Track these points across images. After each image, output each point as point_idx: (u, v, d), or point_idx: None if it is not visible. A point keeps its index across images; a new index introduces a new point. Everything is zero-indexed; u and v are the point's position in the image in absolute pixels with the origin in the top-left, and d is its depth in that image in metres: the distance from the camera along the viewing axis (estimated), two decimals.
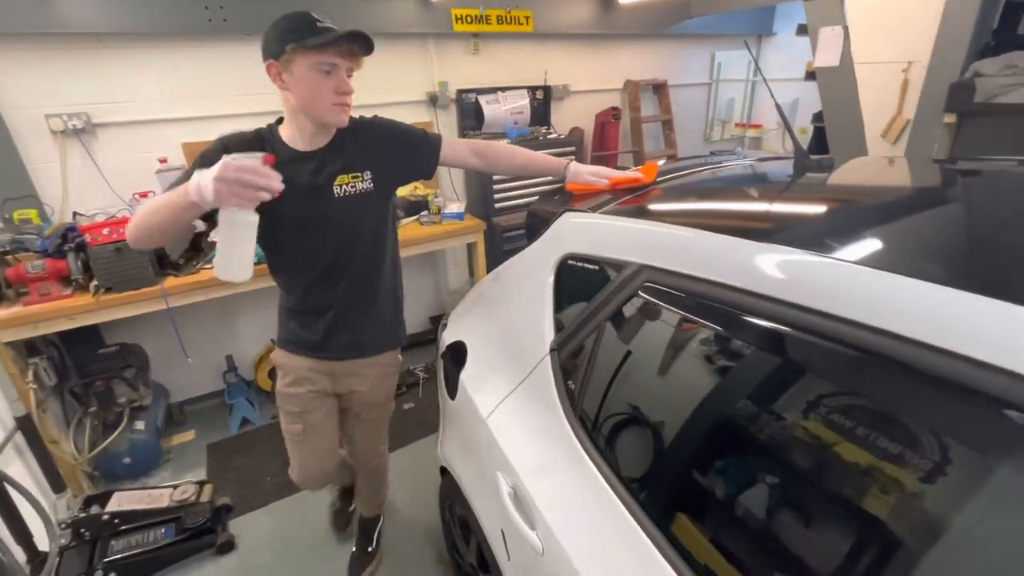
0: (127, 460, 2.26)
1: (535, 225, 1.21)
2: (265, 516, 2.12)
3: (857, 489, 0.56)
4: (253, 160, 0.97)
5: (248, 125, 2.57)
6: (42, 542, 1.72)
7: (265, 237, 1.20)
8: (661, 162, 1.43)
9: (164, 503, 2.04)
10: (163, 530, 1.93)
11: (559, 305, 1.05)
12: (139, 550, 1.85)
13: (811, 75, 3.18)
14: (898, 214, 0.84)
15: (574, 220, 1.10)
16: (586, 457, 0.90)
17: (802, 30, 3.18)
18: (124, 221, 2.01)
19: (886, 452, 0.53)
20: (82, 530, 1.90)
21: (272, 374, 2.84)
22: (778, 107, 1.18)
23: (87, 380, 2.26)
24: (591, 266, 0.98)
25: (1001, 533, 0.45)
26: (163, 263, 2.13)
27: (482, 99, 3.14)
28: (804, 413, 0.62)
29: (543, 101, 3.39)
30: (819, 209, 0.97)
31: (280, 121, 1.26)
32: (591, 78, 3.60)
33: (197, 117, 2.44)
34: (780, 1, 3.46)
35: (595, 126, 3.64)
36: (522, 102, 3.29)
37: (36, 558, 1.68)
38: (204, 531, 1.96)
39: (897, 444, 0.53)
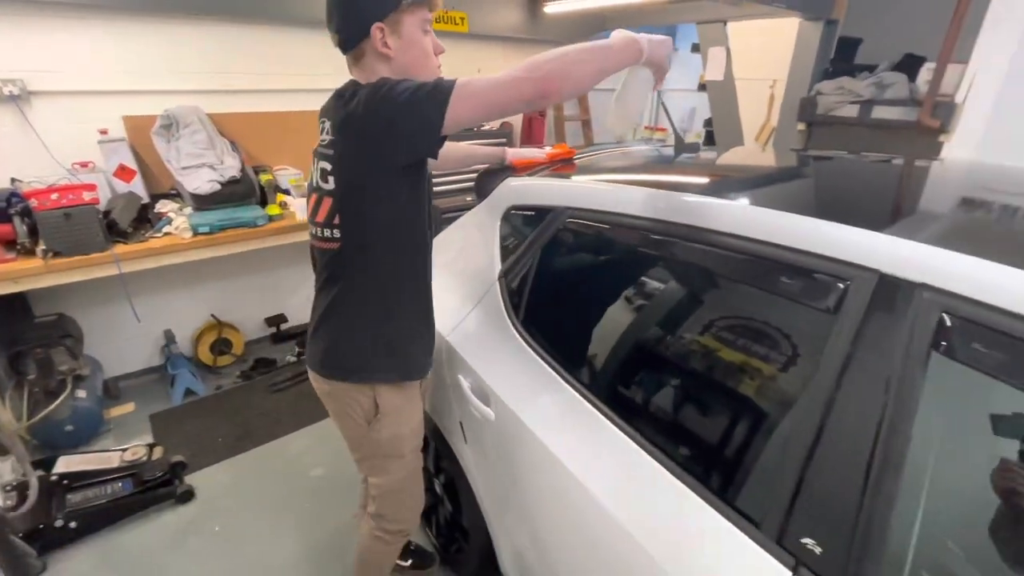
0: (69, 427, 2.27)
1: (483, 188, 1.53)
2: (221, 471, 2.24)
3: (710, 331, 0.93)
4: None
5: (191, 101, 2.63)
6: None
7: (410, 235, 1.06)
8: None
9: (115, 464, 2.10)
10: (121, 484, 2.01)
11: (504, 243, 1.37)
12: (98, 502, 1.92)
13: (703, 87, 3.76)
14: (730, 173, 1.26)
15: (515, 183, 1.43)
16: (530, 351, 1.22)
17: (696, 48, 3.75)
18: (72, 188, 2.05)
19: (722, 303, 0.91)
20: (28, 492, 1.93)
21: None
22: (663, 105, 1.58)
23: (24, 348, 2.24)
24: (528, 212, 1.32)
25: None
26: (112, 230, 2.19)
27: None
28: (668, 282, 0.99)
29: None
30: (686, 172, 1.38)
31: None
32: None
33: (139, 91, 2.48)
34: (679, 23, 4.04)
35: (523, 122, 4.01)
36: None
37: None
38: (162, 483, 2.05)
39: (725, 293, 0.90)
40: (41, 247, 2.01)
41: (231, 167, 2.58)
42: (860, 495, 0.66)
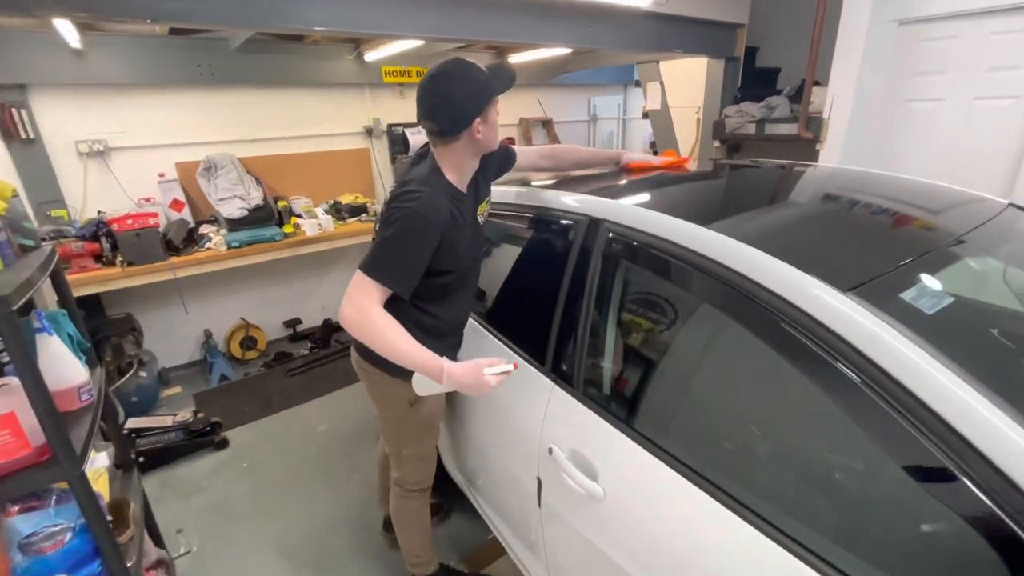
0: (135, 399, 2.94)
1: None
2: (248, 430, 2.88)
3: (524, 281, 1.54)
4: (507, 368, 1.15)
5: (226, 149, 3.36)
6: None
7: (448, 284, 1.31)
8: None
9: (168, 423, 2.76)
10: (174, 434, 2.66)
11: None
12: (159, 445, 2.57)
13: (646, 115, 4.41)
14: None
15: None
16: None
17: (638, 83, 4.42)
18: (141, 216, 2.79)
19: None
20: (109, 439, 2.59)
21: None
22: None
23: (101, 337, 2.95)
24: None
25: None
26: (169, 246, 2.91)
27: (407, 131, 4.14)
28: (523, 242, 1.61)
29: None
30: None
31: (432, 172, 1.22)
32: None
33: (188, 143, 3.26)
34: (624, 63, 4.73)
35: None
36: None
37: None
38: (204, 434, 2.70)
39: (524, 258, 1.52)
40: (119, 259, 2.73)
41: (256, 197, 3.31)
42: (577, 335, 1.26)
